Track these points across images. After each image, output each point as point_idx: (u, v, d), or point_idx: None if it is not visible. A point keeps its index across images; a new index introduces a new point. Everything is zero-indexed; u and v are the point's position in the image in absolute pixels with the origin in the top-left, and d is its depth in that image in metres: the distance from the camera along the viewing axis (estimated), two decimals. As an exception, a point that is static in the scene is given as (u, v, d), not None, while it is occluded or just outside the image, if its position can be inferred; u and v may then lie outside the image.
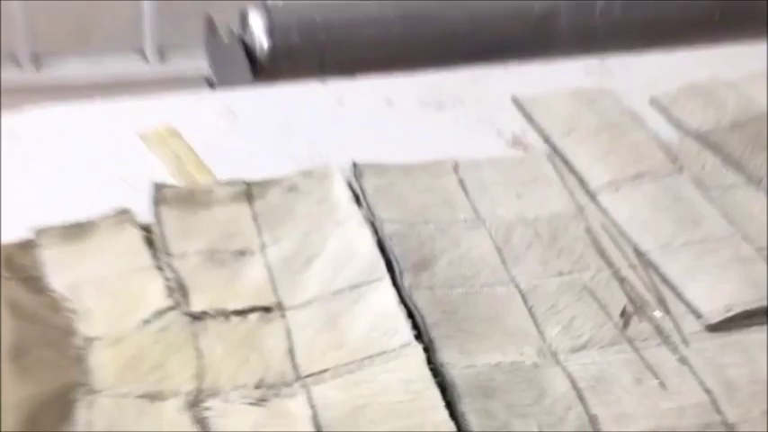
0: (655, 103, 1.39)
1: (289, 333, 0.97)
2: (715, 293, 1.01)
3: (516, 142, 1.31)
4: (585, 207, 1.16)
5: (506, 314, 1.00)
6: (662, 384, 0.91)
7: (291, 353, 0.95)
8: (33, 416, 0.87)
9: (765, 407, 0.88)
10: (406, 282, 1.02)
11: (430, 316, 0.98)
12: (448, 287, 1.03)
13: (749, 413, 0.88)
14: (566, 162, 1.25)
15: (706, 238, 1.09)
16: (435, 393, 0.88)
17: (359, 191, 1.16)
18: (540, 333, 0.98)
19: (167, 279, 1.02)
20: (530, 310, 1.01)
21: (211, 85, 1.80)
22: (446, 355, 0.93)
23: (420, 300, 1.00)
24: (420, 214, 1.14)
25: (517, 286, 1.03)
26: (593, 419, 0.88)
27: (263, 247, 1.09)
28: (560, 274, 1.05)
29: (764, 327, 0.98)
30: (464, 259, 1.07)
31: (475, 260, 1.07)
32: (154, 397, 0.89)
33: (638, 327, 0.98)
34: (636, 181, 1.19)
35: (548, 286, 1.03)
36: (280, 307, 1.00)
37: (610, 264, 1.07)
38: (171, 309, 0.98)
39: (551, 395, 0.90)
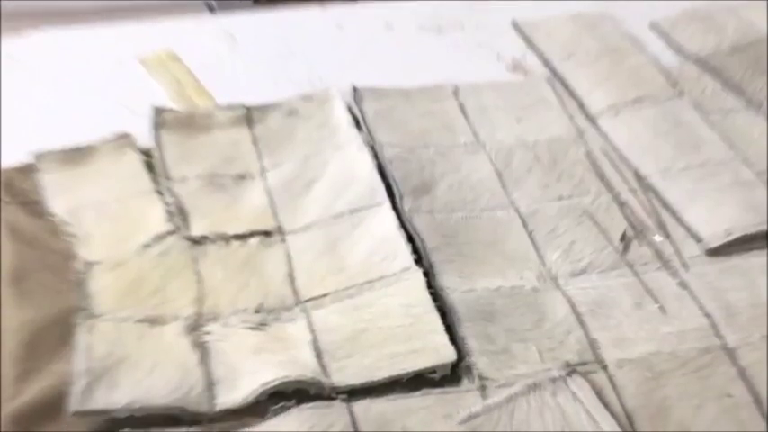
0: (655, 27, 1.34)
1: (289, 257, 0.94)
2: (715, 218, 0.98)
3: (516, 67, 1.26)
4: (585, 131, 1.12)
5: (506, 238, 0.96)
6: (662, 308, 0.88)
7: (291, 277, 0.92)
8: (33, 339, 0.84)
9: (765, 331, 0.85)
10: (406, 206, 0.98)
11: (430, 240, 0.95)
12: (448, 211, 0.99)
13: (749, 337, 0.85)
14: (566, 86, 1.20)
15: (706, 163, 1.05)
16: (435, 317, 0.85)
17: (359, 115, 1.12)
18: (540, 257, 0.94)
19: (167, 203, 0.98)
20: (530, 234, 0.97)
21: (211, 9, 1.76)
22: (446, 280, 0.90)
23: (420, 224, 0.96)
24: (420, 138, 1.10)
25: (517, 210, 1.00)
26: (592, 343, 0.84)
27: (262, 171, 1.05)
28: (560, 198, 1.01)
29: (764, 251, 0.94)
30: (464, 183, 1.03)
31: (475, 184, 1.03)
32: (154, 321, 0.85)
33: (638, 251, 0.95)
34: (636, 105, 1.15)
35: (548, 210, 1.00)
36: (280, 231, 0.97)
37: (610, 188, 1.03)
38: (171, 233, 0.95)
39: (551, 319, 0.87)
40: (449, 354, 0.82)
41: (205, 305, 0.87)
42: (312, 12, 1.37)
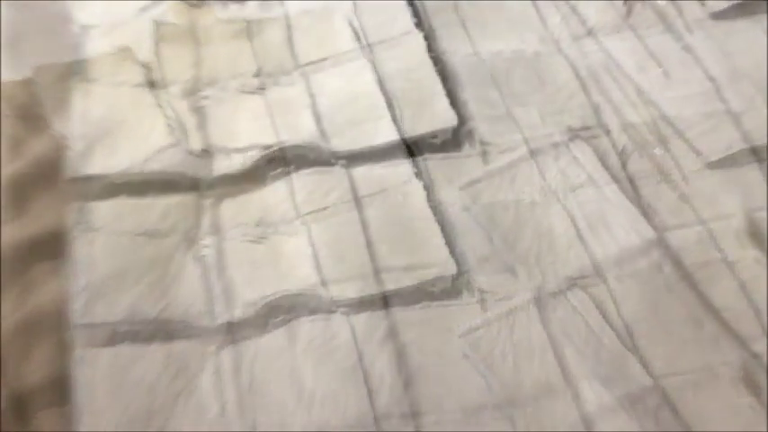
0: None
1: (288, 20, 0.83)
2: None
3: None
4: None
5: (508, 1, 0.85)
6: (665, 73, 0.78)
7: (290, 41, 0.81)
8: (30, 100, 0.74)
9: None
10: (407, -31, 0.87)
11: (430, 3, 0.84)
12: (449, -26, 0.87)
13: (753, 101, 0.75)
14: None
15: None
16: (436, 81, 0.76)
17: None
18: (542, 20, 0.83)
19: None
20: (532, -5, 0.86)
21: None
22: (447, 44, 0.80)
23: (421, -14, 0.85)
24: None
25: (519, -28, 0.88)
26: (595, 108, 0.75)
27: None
28: (563, -40, 0.89)
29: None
30: (465, -55, 0.91)
31: (476, -54, 0.91)
32: (151, 86, 0.76)
33: (642, 14, 0.84)
34: None
35: (550, -28, 0.88)
36: (279, -5, 0.86)
37: (613, -51, 0.90)
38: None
39: (553, 83, 0.77)
40: (450, 118, 0.73)
41: (203, 69, 0.78)
42: None
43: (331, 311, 0.63)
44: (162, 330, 0.62)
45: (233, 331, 0.63)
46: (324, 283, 0.63)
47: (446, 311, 0.64)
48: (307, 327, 0.63)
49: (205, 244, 0.66)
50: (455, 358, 0.62)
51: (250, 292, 0.63)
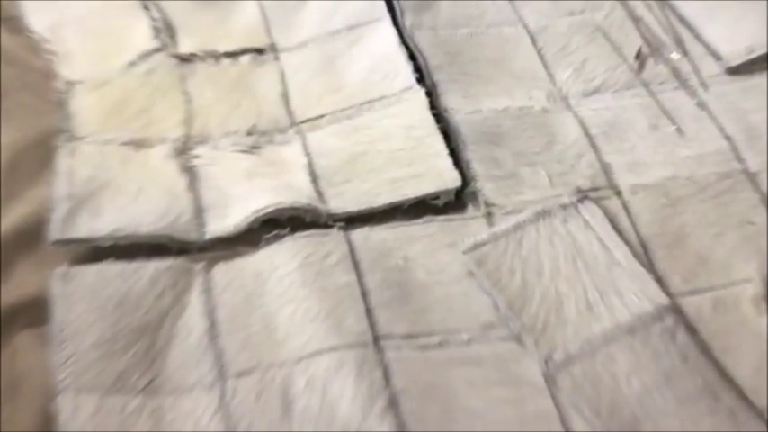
0: None
1: (283, 76, 0.84)
2: (735, 34, 0.86)
3: None
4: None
5: (514, 56, 0.86)
6: (679, 130, 0.78)
7: (286, 97, 0.82)
8: (13, 163, 0.74)
9: (788, 155, 0.76)
10: (408, 22, 0.88)
11: (433, 58, 0.84)
12: (452, 27, 0.88)
13: (771, 161, 0.75)
14: None
15: (726, -25, 0.93)
16: (438, 140, 0.76)
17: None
18: (550, 76, 0.84)
19: (154, 19, 0.87)
20: (539, 51, 0.86)
21: None
22: (450, 100, 0.80)
23: (422, 41, 0.86)
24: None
25: (525, 26, 0.89)
26: (605, 167, 0.75)
27: (255, -16, 0.93)
28: (571, 13, 0.90)
29: (788, 70, 0.83)
30: (469, -3, 0.92)
31: (481, -2, 0.92)
32: (139, 144, 0.76)
33: (654, 69, 0.84)
34: None
35: (558, 26, 0.89)
36: (273, 49, 0.86)
37: (624, 2, 0.91)
38: (157, 50, 0.84)
39: (562, 142, 0.77)
40: (453, 179, 0.73)
41: (194, 127, 0.78)
42: None
43: (328, 226, 0.69)
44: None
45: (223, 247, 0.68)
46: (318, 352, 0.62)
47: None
48: (302, 242, 0.67)
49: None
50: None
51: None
